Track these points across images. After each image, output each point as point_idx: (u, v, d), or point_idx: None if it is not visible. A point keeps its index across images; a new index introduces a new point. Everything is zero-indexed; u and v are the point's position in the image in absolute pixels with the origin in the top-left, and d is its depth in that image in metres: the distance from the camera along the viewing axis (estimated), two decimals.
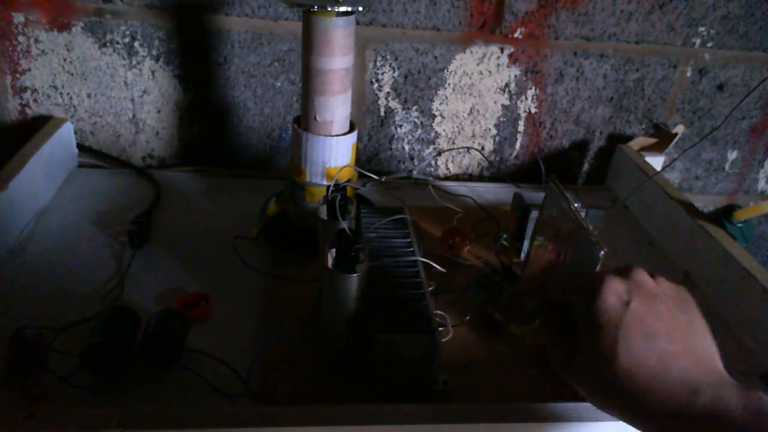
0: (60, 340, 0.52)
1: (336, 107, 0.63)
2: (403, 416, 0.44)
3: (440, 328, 0.55)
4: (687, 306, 0.38)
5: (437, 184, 0.88)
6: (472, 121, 0.90)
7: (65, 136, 0.81)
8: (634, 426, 0.36)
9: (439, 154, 0.92)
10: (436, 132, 0.90)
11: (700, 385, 0.34)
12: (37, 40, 0.78)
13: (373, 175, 0.70)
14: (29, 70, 0.79)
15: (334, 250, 0.49)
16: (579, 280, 0.40)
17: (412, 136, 0.90)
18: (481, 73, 0.86)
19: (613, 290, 0.37)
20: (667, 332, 0.36)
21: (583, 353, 0.37)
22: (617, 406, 0.37)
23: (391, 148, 0.91)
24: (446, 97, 0.88)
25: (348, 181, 0.66)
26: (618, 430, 0.42)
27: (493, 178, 0.94)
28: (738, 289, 0.65)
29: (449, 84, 0.86)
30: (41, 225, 0.70)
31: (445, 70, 0.85)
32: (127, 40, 0.79)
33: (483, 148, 0.93)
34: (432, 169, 0.94)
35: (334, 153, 0.65)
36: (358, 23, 0.80)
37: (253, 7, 0.79)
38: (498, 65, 0.86)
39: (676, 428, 0.34)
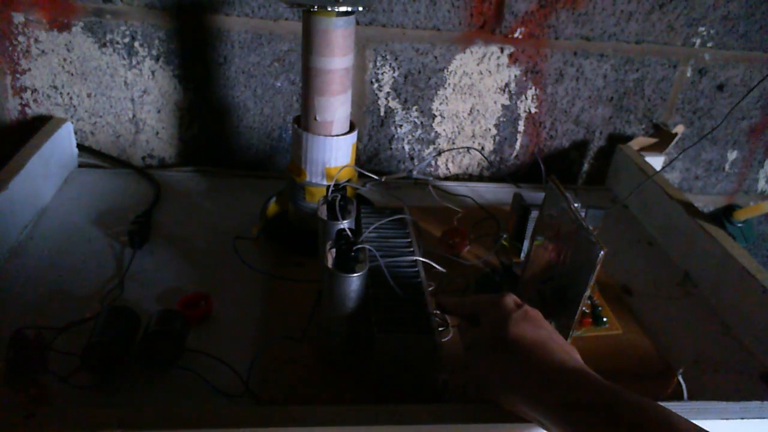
0: (60, 340, 0.52)
1: (336, 107, 0.63)
2: (403, 416, 0.44)
3: (440, 328, 0.55)
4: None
5: (437, 184, 0.88)
6: (472, 121, 0.90)
7: (65, 136, 0.81)
8: (519, 392, 0.44)
9: (439, 154, 0.92)
10: (436, 132, 0.90)
11: (571, 356, 0.45)
12: (37, 40, 0.78)
13: (373, 175, 0.70)
14: (29, 70, 0.79)
15: (334, 250, 0.49)
16: (480, 298, 0.54)
17: (412, 136, 0.90)
18: (481, 73, 0.86)
19: (512, 298, 0.50)
20: (545, 327, 0.48)
21: (484, 330, 0.49)
22: (508, 369, 0.45)
23: (391, 148, 0.91)
24: (446, 97, 0.87)
25: (348, 181, 0.66)
26: None
27: (493, 178, 0.94)
28: (738, 289, 0.65)
29: (449, 84, 0.86)
30: (41, 225, 0.70)
31: (445, 70, 0.85)
32: (127, 40, 0.79)
33: (483, 148, 0.93)
34: (432, 169, 0.94)
35: (334, 153, 0.65)
36: (358, 23, 0.80)
37: (253, 7, 0.79)
38: (498, 65, 0.86)
39: (554, 383, 0.43)
